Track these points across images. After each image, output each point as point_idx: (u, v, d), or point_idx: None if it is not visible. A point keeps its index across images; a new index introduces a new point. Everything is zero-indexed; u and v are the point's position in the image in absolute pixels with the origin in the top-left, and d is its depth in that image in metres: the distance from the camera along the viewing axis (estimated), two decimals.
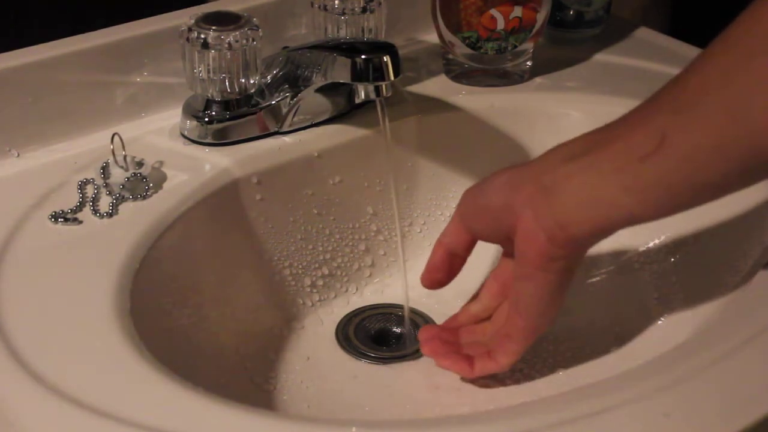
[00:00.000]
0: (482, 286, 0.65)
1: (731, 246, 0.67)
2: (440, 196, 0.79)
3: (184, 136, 0.72)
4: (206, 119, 0.71)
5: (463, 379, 0.64)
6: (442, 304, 0.71)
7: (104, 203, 0.65)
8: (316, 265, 0.74)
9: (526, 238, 0.56)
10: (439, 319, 0.70)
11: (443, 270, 0.63)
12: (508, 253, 0.63)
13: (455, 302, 0.70)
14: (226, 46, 0.68)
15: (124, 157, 0.67)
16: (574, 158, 0.54)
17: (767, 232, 0.66)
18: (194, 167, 0.69)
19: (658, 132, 0.51)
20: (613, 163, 0.52)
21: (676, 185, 0.51)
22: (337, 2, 0.73)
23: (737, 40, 0.50)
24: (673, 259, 0.71)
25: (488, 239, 0.62)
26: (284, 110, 0.72)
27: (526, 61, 0.81)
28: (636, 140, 0.52)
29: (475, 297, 0.66)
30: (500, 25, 0.78)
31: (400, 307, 0.71)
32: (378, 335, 0.72)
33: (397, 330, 0.72)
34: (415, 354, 0.69)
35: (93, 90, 0.71)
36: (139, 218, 0.64)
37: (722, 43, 0.50)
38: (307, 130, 0.74)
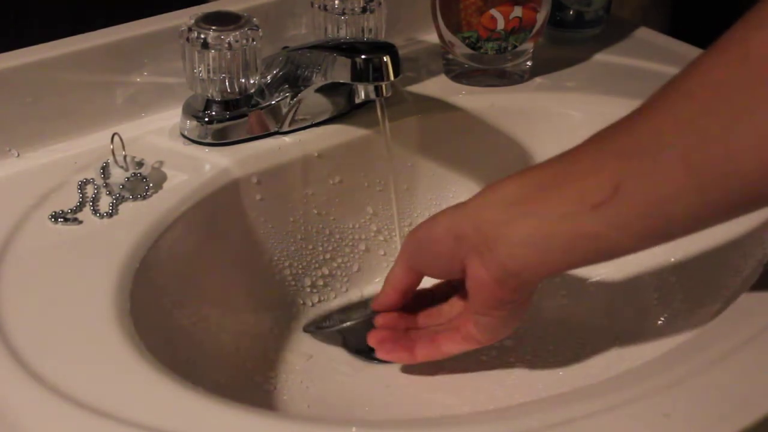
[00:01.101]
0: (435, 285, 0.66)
1: (731, 246, 0.67)
2: (440, 196, 0.79)
3: (184, 136, 0.72)
4: (206, 119, 0.71)
5: (463, 379, 0.64)
6: None
7: (104, 203, 0.65)
8: (316, 265, 0.74)
9: (477, 285, 0.56)
10: None
11: (395, 305, 0.64)
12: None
13: None
14: (226, 46, 0.68)
15: (124, 157, 0.67)
16: (516, 203, 0.54)
17: (767, 233, 0.66)
18: (194, 167, 0.69)
19: (612, 179, 0.50)
20: (563, 209, 0.51)
21: (633, 231, 0.51)
22: (337, 2, 0.73)
23: (689, 89, 0.49)
24: (673, 259, 0.71)
25: (440, 278, 0.63)
26: (284, 110, 0.72)
27: (526, 61, 0.81)
28: (587, 187, 0.51)
29: (429, 291, 0.66)
30: (500, 25, 0.78)
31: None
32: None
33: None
34: None
35: (93, 90, 0.71)
36: (139, 218, 0.64)
37: (674, 90, 0.50)
38: (307, 130, 0.74)
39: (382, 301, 0.64)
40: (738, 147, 0.46)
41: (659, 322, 0.67)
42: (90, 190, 0.66)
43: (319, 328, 0.71)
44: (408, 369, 0.67)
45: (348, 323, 0.69)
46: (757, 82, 0.46)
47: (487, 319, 0.58)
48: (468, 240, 0.55)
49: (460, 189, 0.78)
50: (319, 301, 0.74)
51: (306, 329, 0.71)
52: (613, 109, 0.56)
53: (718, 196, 0.48)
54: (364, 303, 0.73)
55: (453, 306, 0.64)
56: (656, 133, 0.49)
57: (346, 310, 0.73)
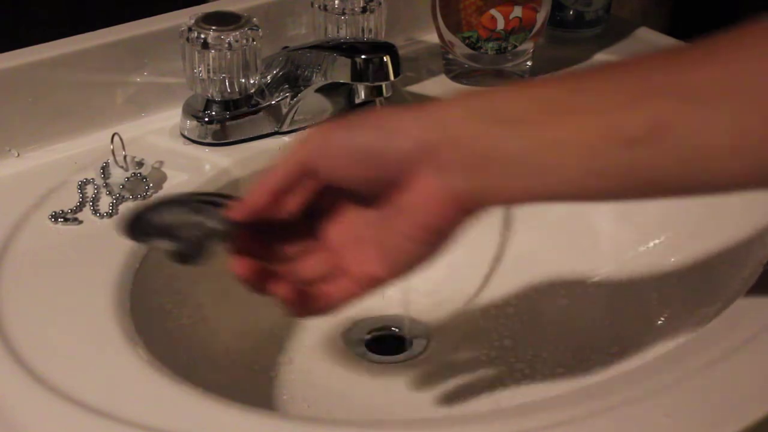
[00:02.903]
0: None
1: (731, 246, 0.67)
2: None
3: (184, 136, 0.72)
4: (206, 119, 0.71)
5: (463, 379, 0.64)
6: (443, 305, 0.71)
7: (104, 203, 0.65)
8: None
9: (424, 202, 0.48)
10: (436, 324, 0.70)
11: (259, 213, 0.51)
12: (360, 199, 0.51)
13: (455, 304, 0.70)
14: (226, 46, 0.68)
15: (124, 157, 0.67)
16: (514, 121, 0.46)
17: (767, 233, 0.66)
18: (194, 167, 0.69)
19: (656, 117, 0.44)
20: (585, 137, 0.45)
21: (660, 180, 0.46)
22: (337, 2, 0.73)
23: (753, 42, 0.44)
24: (673, 259, 0.71)
25: (345, 185, 0.50)
26: (284, 110, 0.72)
27: (526, 61, 0.81)
28: (621, 119, 0.45)
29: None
30: (500, 25, 0.78)
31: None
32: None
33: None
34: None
35: (93, 90, 0.71)
36: None
37: (731, 42, 0.45)
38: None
39: (248, 206, 0.51)
40: None
41: (659, 322, 0.67)
42: (90, 190, 0.66)
43: (141, 231, 0.53)
44: (408, 369, 0.67)
45: (182, 239, 0.53)
46: None
47: (408, 246, 0.49)
48: (438, 154, 0.47)
49: None
50: None
51: (129, 232, 0.53)
52: None
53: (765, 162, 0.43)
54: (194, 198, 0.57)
55: (334, 235, 0.52)
56: (716, 80, 0.44)
57: (174, 204, 0.55)
